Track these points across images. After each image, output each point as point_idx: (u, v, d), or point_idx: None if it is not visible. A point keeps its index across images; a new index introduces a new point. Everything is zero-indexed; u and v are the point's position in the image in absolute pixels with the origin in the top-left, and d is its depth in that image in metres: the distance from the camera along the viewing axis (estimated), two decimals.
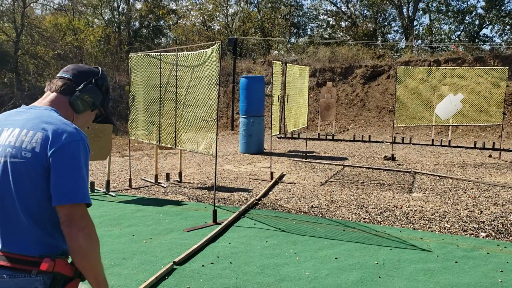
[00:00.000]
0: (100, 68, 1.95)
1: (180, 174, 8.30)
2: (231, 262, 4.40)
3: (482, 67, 13.13)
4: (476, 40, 27.05)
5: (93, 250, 1.62)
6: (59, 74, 1.86)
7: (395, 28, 30.86)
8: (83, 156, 1.67)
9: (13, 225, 1.62)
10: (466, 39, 27.36)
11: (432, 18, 29.24)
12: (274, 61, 8.79)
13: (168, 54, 7.34)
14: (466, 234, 5.36)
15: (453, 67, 14.30)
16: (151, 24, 30.58)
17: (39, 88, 19.06)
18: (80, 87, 1.81)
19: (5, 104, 16.84)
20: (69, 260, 1.69)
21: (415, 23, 29.28)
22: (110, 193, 7.26)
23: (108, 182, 7.37)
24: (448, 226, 5.66)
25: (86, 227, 1.61)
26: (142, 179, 8.44)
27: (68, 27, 26.69)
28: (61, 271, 1.64)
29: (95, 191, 7.41)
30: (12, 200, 1.60)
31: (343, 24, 31.20)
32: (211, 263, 4.38)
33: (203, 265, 4.32)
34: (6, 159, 1.61)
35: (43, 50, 23.83)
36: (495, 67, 13.72)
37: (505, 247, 4.92)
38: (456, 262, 4.45)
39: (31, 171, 1.59)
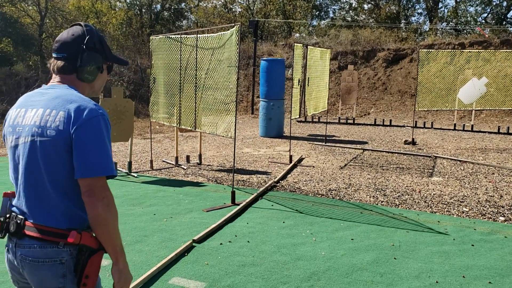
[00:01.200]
0: (82, 26, 1.87)
1: (200, 156, 8.42)
2: (248, 241, 4.50)
3: (508, 50, 12.83)
4: (504, 23, 26.33)
5: (111, 220, 1.71)
6: (53, 54, 1.85)
7: (419, 11, 30.28)
8: (105, 129, 1.74)
9: (43, 199, 1.72)
10: (493, 21, 26.66)
11: (458, 0, 28.53)
12: (295, 44, 8.76)
13: (188, 36, 7.40)
14: (485, 218, 5.35)
15: (478, 50, 14.01)
16: (172, 7, 30.59)
17: None
18: (79, 63, 1.81)
19: (30, 86, 17.19)
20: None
21: (440, 5, 28.66)
22: (132, 173, 7.43)
23: (130, 163, 7.53)
24: (467, 210, 5.65)
25: (105, 198, 1.69)
26: (163, 161, 8.59)
27: (91, 10, 26.93)
28: (87, 243, 1.73)
29: (118, 171, 7.58)
30: (41, 176, 1.71)
31: (365, 6, 30.70)
32: (229, 241, 4.49)
33: (221, 243, 4.43)
34: (33, 138, 1.71)
35: None
36: None
37: None
38: (472, 245, 4.46)
39: (57, 148, 1.68)
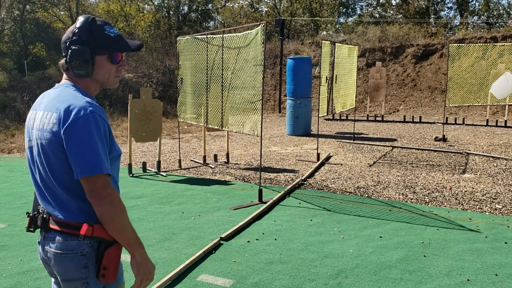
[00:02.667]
0: (78, 20, 1.85)
1: (227, 155, 8.47)
2: (275, 239, 4.51)
3: None
4: None
5: (116, 217, 1.71)
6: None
7: (449, 5, 29.62)
8: (95, 128, 1.70)
9: (57, 197, 1.79)
10: None
11: None
12: (323, 41, 8.71)
13: (214, 36, 7.46)
14: None
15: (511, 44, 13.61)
16: (199, 8, 30.88)
17: None
18: (67, 59, 1.81)
19: None
20: None
21: None
22: (161, 173, 7.54)
23: (159, 163, 7.64)
24: (500, 207, 5.51)
25: (107, 196, 1.69)
26: (191, 160, 8.69)
27: (120, 13, 27.45)
28: (100, 235, 1.76)
29: (147, 171, 7.71)
30: (48, 177, 1.77)
31: (393, 2, 30.25)
32: (256, 239, 4.51)
33: (248, 241, 4.45)
34: (38, 141, 1.78)
35: None
36: None
37: None
38: (506, 243, 4.35)
39: (54, 149, 1.72)
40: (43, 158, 1.76)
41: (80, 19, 1.83)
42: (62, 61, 1.87)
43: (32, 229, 1.86)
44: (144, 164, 7.79)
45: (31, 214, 1.86)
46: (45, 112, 1.78)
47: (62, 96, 1.78)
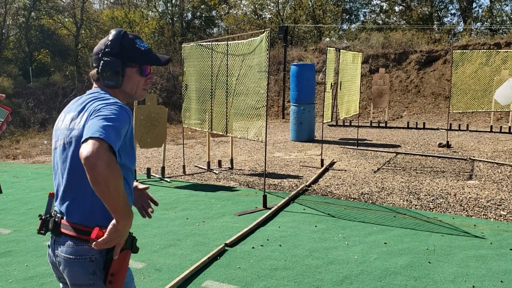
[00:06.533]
0: (111, 33, 1.90)
1: (231, 161, 8.49)
2: (280, 245, 4.52)
3: None
4: None
5: (112, 179, 1.58)
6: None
7: (453, 11, 29.66)
8: (120, 114, 1.72)
9: (76, 197, 1.80)
10: None
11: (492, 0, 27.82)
12: (328, 48, 8.74)
13: (219, 43, 7.50)
14: None
15: None
16: (203, 15, 31.04)
17: None
18: (98, 70, 1.88)
19: (67, 95, 17.73)
20: None
21: (474, 5, 28.00)
22: (165, 178, 7.56)
23: (163, 169, 7.67)
24: (504, 213, 5.50)
25: (105, 158, 1.57)
26: (195, 166, 8.71)
27: (124, 20, 27.60)
28: None
29: (151, 177, 7.73)
30: (72, 176, 1.79)
31: (396, 8, 30.31)
32: (261, 245, 4.52)
33: (253, 247, 4.46)
34: (63, 141, 1.83)
35: None
36: None
37: None
38: (511, 249, 4.34)
39: (79, 147, 1.71)
40: (69, 156, 1.79)
41: (113, 32, 1.91)
42: (93, 71, 1.93)
43: (43, 232, 1.88)
44: (148, 170, 7.81)
45: (43, 217, 1.88)
46: (75, 112, 1.84)
47: (92, 96, 1.86)
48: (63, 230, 1.81)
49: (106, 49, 1.87)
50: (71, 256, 1.78)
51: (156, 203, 2.21)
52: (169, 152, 10.34)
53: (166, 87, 20.02)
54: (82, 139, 1.62)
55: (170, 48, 25.79)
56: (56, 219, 1.83)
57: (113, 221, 1.67)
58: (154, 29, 27.52)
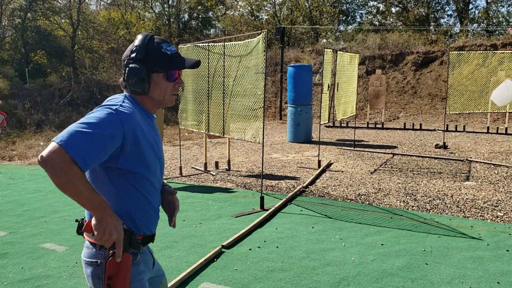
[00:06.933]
0: (137, 38, 1.87)
1: (228, 162, 8.48)
2: (277, 247, 4.51)
3: None
4: None
5: (68, 184, 1.58)
6: None
7: (449, 12, 29.75)
8: (100, 115, 1.67)
9: None
10: None
11: (489, 1, 27.90)
12: (325, 49, 8.75)
13: (215, 44, 7.49)
14: None
15: (511, 51, 13.65)
16: (200, 16, 31.02)
17: (95, 81, 19.86)
18: (125, 76, 1.85)
19: (63, 96, 17.69)
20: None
21: (470, 6, 28.07)
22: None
23: None
24: (501, 214, 5.50)
25: (57, 163, 1.55)
26: (192, 168, 8.69)
27: (121, 21, 27.57)
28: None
29: None
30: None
31: (393, 9, 30.38)
32: (258, 247, 4.51)
33: (250, 249, 4.45)
34: None
35: (97, 44, 24.77)
36: None
37: None
38: (507, 250, 4.34)
39: None
40: None
41: (139, 37, 1.86)
42: (122, 78, 1.90)
43: (78, 233, 1.87)
44: None
45: (79, 220, 1.87)
46: None
47: (105, 100, 1.85)
48: (84, 232, 1.80)
49: (132, 55, 1.82)
50: (85, 259, 1.81)
51: (173, 226, 2.16)
52: (166, 153, 10.32)
53: None
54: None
55: None
56: (81, 222, 1.83)
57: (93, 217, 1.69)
58: (150, 30, 27.49)
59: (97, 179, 1.78)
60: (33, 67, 22.83)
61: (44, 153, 1.56)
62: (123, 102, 1.79)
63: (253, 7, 31.56)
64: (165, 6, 30.01)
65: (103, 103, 1.79)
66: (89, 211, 1.67)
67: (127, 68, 1.82)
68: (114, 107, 1.72)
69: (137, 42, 1.84)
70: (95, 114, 1.68)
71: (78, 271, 3.98)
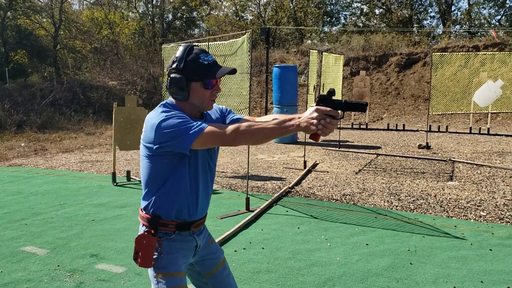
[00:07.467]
0: (179, 49, 2.07)
1: None
2: (263, 248, 4.48)
3: None
4: None
5: (258, 135, 1.93)
6: None
7: (432, 14, 30.09)
8: (163, 110, 1.97)
9: (144, 190, 2.14)
10: (507, 23, 26.38)
11: (471, 2, 28.30)
12: (311, 50, 8.76)
13: (200, 44, 7.44)
14: (503, 223, 5.26)
15: (493, 53, 13.85)
16: (184, 16, 30.88)
17: (78, 81, 19.60)
18: (167, 85, 2.04)
19: (45, 97, 17.43)
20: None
21: (453, 8, 28.44)
22: None
23: None
24: (484, 214, 5.56)
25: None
26: None
27: (104, 21, 27.27)
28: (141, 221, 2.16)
29: (131, 179, 7.62)
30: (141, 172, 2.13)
31: (377, 11, 30.62)
32: (244, 248, 4.48)
33: (235, 251, 4.41)
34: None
35: (80, 44, 24.48)
36: None
37: None
38: (490, 249, 4.39)
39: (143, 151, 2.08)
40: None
41: (180, 48, 2.06)
42: (165, 86, 2.20)
43: None
44: (128, 172, 7.70)
45: None
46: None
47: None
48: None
49: (173, 66, 2.01)
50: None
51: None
52: None
53: (146, 88, 19.85)
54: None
55: (150, 49, 25.57)
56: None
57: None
58: (134, 30, 27.28)
59: (154, 162, 2.00)
60: (13, 66, 22.44)
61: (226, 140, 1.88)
62: (169, 103, 2.07)
63: (238, 7, 31.52)
64: (149, 6, 29.81)
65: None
66: (292, 133, 1.93)
67: (169, 78, 2.02)
68: (162, 104, 2.04)
69: (178, 53, 2.03)
70: (157, 114, 1.98)
71: (59, 274, 3.90)
